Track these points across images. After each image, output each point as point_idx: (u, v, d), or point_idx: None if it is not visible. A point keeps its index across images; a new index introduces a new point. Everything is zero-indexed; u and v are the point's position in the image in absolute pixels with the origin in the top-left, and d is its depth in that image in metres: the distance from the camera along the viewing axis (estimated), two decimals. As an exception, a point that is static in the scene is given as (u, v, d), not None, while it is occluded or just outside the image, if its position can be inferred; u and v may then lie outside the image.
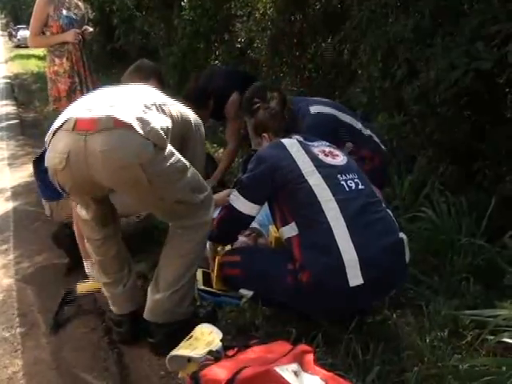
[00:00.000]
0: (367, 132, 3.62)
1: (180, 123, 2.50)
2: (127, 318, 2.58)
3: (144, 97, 2.37)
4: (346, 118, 3.54)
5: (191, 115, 2.61)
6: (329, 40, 6.11)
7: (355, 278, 2.27)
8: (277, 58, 7.05)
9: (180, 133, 2.52)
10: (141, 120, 2.14)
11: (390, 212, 2.56)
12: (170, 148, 2.26)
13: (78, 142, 2.14)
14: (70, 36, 4.50)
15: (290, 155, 2.54)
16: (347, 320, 2.36)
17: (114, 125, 2.11)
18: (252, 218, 2.68)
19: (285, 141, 2.65)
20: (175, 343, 2.28)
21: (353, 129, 3.53)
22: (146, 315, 2.47)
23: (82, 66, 4.68)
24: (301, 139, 2.67)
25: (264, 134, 2.86)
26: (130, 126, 2.11)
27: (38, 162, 3.34)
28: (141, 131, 2.12)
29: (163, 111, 2.36)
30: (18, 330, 2.72)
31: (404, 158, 4.26)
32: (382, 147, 3.69)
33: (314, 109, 3.44)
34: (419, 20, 3.73)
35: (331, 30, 5.95)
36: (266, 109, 2.88)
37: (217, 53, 8.34)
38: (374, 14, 4.30)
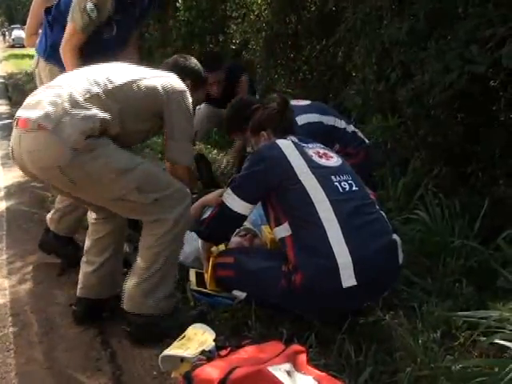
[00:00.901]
0: (351, 128, 3.72)
1: (145, 100, 2.47)
2: (82, 302, 2.70)
3: (98, 80, 2.38)
4: (330, 119, 3.61)
5: (162, 88, 2.51)
6: (323, 42, 6.12)
7: (349, 279, 2.28)
8: (271, 59, 7.06)
9: (150, 109, 2.51)
10: (63, 124, 2.21)
11: (383, 214, 2.58)
12: (102, 150, 2.28)
13: (16, 139, 2.34)
14: None
15: (285, 156, 2.55)
16: (340, 321, 2.36)
17: (38, 128, 2.23)
18: (244, 218, 2.69)
19: (280, 141, 2.66)
20: (147, 336, 2.50)
21: (337, 130, 3.62)
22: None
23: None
24: (296, 140, 2.68)
25: (263, 132, 2.86)
26: (50, 131, 2.20)
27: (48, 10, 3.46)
28: (60, 136, 2.20)
29: (110, 95, 2.35)
30: (11, 329, 2.70)
31: (398, 160, 4.28)
32: (366, 141, 3.79)
33: (300, 119, 3.47)
34: (414, 23, 3.74)
35: (326, 32, 5.96)
36: (264, 108, 2.89)
37: (211, 54, 8.33)
38: (368, 17, 4.31)
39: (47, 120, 2.22)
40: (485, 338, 2.16)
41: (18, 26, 37.62)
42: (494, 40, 3.06)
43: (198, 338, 2.10)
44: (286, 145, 2.63)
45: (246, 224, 2.93)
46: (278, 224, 2.51)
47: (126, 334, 2.56)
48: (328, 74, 6.17)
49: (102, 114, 2.29)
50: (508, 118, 3.81)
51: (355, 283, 2.28)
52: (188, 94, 2.60)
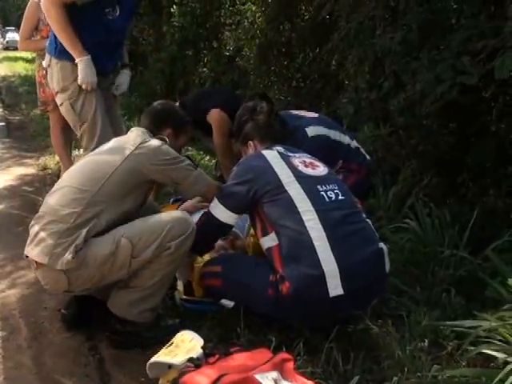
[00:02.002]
0: (354, 144, 3.67)
1: (126, 185, 2.56)
2: (75, 301, 2.74)
3: (76, 197, 2.48)
4: (336, 135, 3.56)
5: (138, 164, 2.56)
6: (317, 50, 6.14)
7: (336, 288, 2.29)
8: (265, 66, 7.07)
9: (135, 186, 2.59)
10: (56, 255, 2.37)
11: (369, 222, 2.59)
12: (87, 252, 2.40)
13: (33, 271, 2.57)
14: None
15: (270, 166, 2.57)
16: (328, 329, 2.37)
17: (36, 267, 2.47)
18: (230, 227, 2.71)
19: (265, 152, 2.68)
20: (127, 342, 2.56)
21: (342, 145, 3.57)
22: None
23: None
24: (282, 150, 2.70)
25: (250, 142, 2.88)
26: (47, 265, 2.39)
27: None
28: (55, 267, 2.37)
29: (91, 204, 2.45)
30: (0, 333, 2.70)
31: (389, 169, 4.30)
32: (368, 157, 3.74)
33: (310, 131, 3.45)
34: (406, 33, 3.77)
35: (319, 40, 5.99)
36: (253, 120, 2.91)
37: (205, 60, 8.36)
38: (361, 26, 4.33)
39: (42, 256, 2.40)
40: (472, 348, 2.18)
41: (13, 28, 37.54)
42: (486, 51, 3.09)
43: (185, 345, 2.10)
44: (272, 155, 2.65)
45: None
46: (265, 234, 2.52)
47: (109, 336, 2.62)
48: (321, 81, 6.19)
49: (87, 228, 2.41)
50: (499, 128, 3.83)
51: (342, 292, 2.29)
52: (162, 147, 2.63)
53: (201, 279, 2.75)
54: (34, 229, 2.51)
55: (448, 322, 2.47)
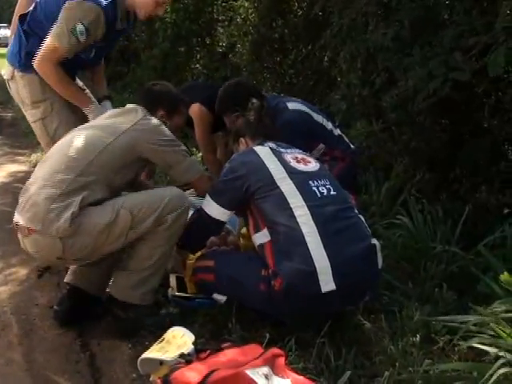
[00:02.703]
0: (337, 132, 3.73)
1: (121, 159, 2.58)
2: (67, 298, 2.72)
3: (71, 164, 2.49)
4: (319, 118, 3.63)
5: (132, 139, 2.60)
6: (309, 46, 6.14)
7: (328, 283, 2.29)
8: (258, 62, 7.06)
9: (129, 162, 2.62)
10: (48, 220, 2.37)
11: (362, 218, 2.59)
12: (84, 220, 2.41)
13: (22, 242, 2.54)
14: None
15: (262, 162, 2.57)
16: (320, 324, 2.37)
17: (29, 232, 2.42)
18: (222, 224, 2.72)
19: (257, 148, 2.68)
20: (125, 327, 2.59)
21: (325, 129, 3.63)
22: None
23: None
24: (274, 146, 2.70)
25: (241, 139, 2.89)
26: (40, 232, 2.39)
27: (23, 19, 3.20)
28: (49, 233, 2.37)
29: (85, 173, 2.47)
30: (-10, 330, 2.69)
31: (381, 165, 4.30)
32: (352, 146, 3.79)
33: (291, 105, 3.53)
34: (399, 29, 3.76)
35: (312, 36, 5.98)
36: (243, 116, 2.92)
37: (198, 56, 8.34)
38: (354, 22, 4.32)
39: (34, 221, 2.39)
40: (464, 343, 2.18)
41: (5, 24, 37.29)
42: (478, 47, 3.09)
43: (177, 341, 2.09)
44: (264, 151, 2.65)
45: None
46: (257, 230, 2.52)
47: (111, 323, 2.64)
48: (313, 78, 6.19)
49: (80, 196, 2.42)
50: (491, 125, 3.83)
51: (334, 288, 2.29)
52: (160, 126, 2.67)
53: (193, 274, 2.75)
54: (26, 195, 2.50)
55: (440, 317, 2.47)
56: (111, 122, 2.67)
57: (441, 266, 2.93)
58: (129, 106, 2.80)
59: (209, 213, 2.63)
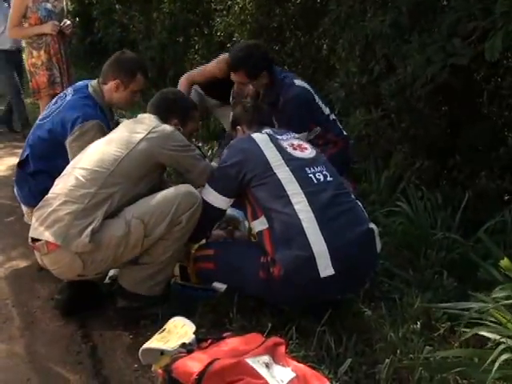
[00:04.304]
0: (332, 117, 3.85)
1: (140, 167, 2.60)
2: (67, 287, 2.72)
3: (92, 176, 2.52)
4: (319, 100, 3.75)
5: (150, 146, 2.62)
6: (308, 35, 6.11)
7: (326, 268, 2.30)
8: (256, 52, 7.01)
9: (147, 169, 2.64)
10: (70, 236, 2.40)
11: (359, 203, 2.60)
12: (100, 236, 2.43)
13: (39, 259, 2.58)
14: (48, 27, 4.50)
15: (260, 148, 2.57)
16: (320, 313, 2.37)
17: (48, 250, 2.44)
18: (223, 212, 2.72)
19: (255, 135, 2.68)
20: (129, 316, 2.61)
21: (323, 112, 3.75)
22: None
23: (61, 58, 4.66)
24: (271, 133, 2.70)
25: (238, 127, 2.90)
26: (60, 247, 2.41)
27: (23, 165, 3.23)
28: (69, 249, 2.40)
29: (107, 184, 2.50)
30: (-8, 323, 2.69)
31: (381, 153, 4.29)
32: (344, 132, 3.91)
33: (298, 82, 3.67)
34: (397, 16, 3.74)
35: (310, 25, 5.95)
36: (240, 104, 2.93)
37: (196, 47, 8.28)
38: (352, 10, 4.30)
39: (56, 236, 2.41)
40: (465, 329, 2.18)
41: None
42: (477, 33, 3.07)
43: (178, 331, 2.10)
44: (261, 138, 2.65)
45: (229, 211, 2.93)
46: (255, 218, 2.53)
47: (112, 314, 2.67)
48: (312, 66, 6.16)
49: (102, 210, 2.45)
50: (490, 111, 3.83)
51: (333, 272, 2.30)
52: (174, 132, 2.70)
53: (194, 263, 2.75)
54: (45, 210, 2.50)
55: (440, 304, 2.48)
56: (127, 133, 2.68)
57: (441, 252, 2.94)
58: (142, 115, 2.82)
59: (208, 201, 2.63)
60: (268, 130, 2.73)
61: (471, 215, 3.29)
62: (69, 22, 4.72)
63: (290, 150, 2.60)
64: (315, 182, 2.49)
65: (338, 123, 3.89)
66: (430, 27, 3.56)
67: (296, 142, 2.69)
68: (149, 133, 2.63)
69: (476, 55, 3.11)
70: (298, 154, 2.60)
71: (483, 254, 2.86)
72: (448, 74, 3.15)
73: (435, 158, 3.94)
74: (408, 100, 3.86)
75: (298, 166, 2.52)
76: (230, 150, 2.68)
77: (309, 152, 2.65)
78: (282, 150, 2.58)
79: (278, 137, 2.69)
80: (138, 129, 2.68)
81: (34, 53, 4.62)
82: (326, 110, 3.79)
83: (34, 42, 4.62)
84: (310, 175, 2.51)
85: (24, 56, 4.89)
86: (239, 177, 2.54)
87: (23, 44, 5.00)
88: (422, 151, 4.02)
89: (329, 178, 2.54)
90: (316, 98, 3.72)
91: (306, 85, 3.71)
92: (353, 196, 2.60)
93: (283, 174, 2.48)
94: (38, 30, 4.55)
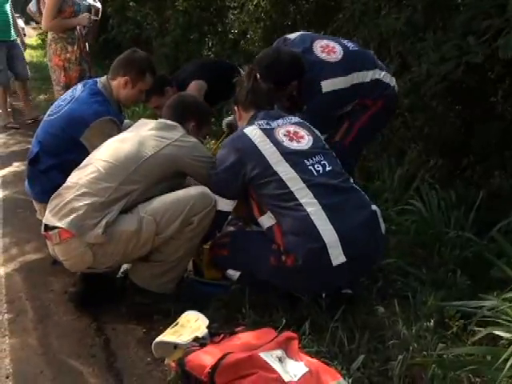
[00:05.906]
0: (375, 76, 3.33)
1: (160, 170, 2.62)
2: (81, 279, 2.73)
3: (113, 172, 2.54)
4: (355, 77, 3.27)
5: (171, 153, 2.64)
6: (322, 32, 6.10)
7: (338, 257, 2.34)
8: (270, 49, 7.00)
9: (167, 174, 2.66)
10: (85, 227, 2.43)
11: (357, 187, 2.63)
12: (113, 229, 2.45)
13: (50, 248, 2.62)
14: (84, 20, 4.59)
15: (255, 146, 2.56)
16: (333, 309, 2.39)
17: (61, 239, 2.48)
18: (227, 214, 2.75)
19: (247, 131, 2.64)
20: (142, 311, 2.61)
21: (361, 86, 3.29)
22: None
23: (88, 53, 4.75)
24: (263, 124, 2.66)
25: (234, 107, 2.94)
26: (73, 237, 2.44)
27: (34, 162, 3.23)
28: (83, 239, 2.43)
29: (127, 182, 2.52)
30: (6, 316, 2.71)
31: (395, 151, 4.28)
32: (391, 85, 3.40)
33: (325, 86, 3.19)
34: (412, 13, 3.73)
35: (324, 22, 5.94)
36: (240, 82, 2.92)
37: (210, 44, 8.29)
38: (366, 7, 4.29)
39: (72, 226, 2.43)
40: (478, 328, 2.17)
41: (18, 15, 37.40)
42: (491, 31, 3.06)
43: (191, 325, 2.11)
44: (254, 133, 2.61)
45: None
46: (262, 213, 2.55)
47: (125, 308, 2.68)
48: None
49: (119, 205, 2.49)
50: (504, 110, 3.80)
51: (344, 260, 2.33)
52: (200, 145, 2.81)
53: (210, 249, 2.78)
54: (62, 199, 2.53)
55: (454, 303, 2.47)
56: (152, 135, 2.69)
57: (454, 251, 2.93)
58: (168, 122, 2.81)
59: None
60: (260, 121, 2.68)
61: (485, 214, 3.27)
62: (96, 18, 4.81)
63: (286, 142, 2.58)
64: (315, 173, 2.51)
65: (384, 79, 3.34)
66: (444, 25, 3.55)
67: (292, 129, 2.67)
68: (175, 141, 2.66)
69: (491, 53, 3.10)
70: (294, 145, 2.59)
71: (496, 252, 2.84)
72: (462, 72, 3.14)
73: (449, 156, 3.93)
74: (422, 98, 3.85)
75: (296, 160, 2.53)
76: (226, 151, 2.66)
77: (306, 141, 2.63)
78: (278, 144, 2.56)
79: (272, 125, 2.66)
80: (165, 134, 2.69)
81: (69, 48, 4.69)
82: (368, 76, 3.28)
83: (69, 37, 4.68)
84: (310, 167, 2.52)
85: (50, 51, 4.86)
86: (239, 179, 2.56)
87: (48, 38, 4.96)
88: (435, 150, 4.01)
89: (328, 168, 2.55)
90: (349, 79, 3.22)
91: (335, 80, 3.19)
92: (351, 180, 2.64)
93: (284, 170, 2.49)
94: (75, 22, 4.64)
